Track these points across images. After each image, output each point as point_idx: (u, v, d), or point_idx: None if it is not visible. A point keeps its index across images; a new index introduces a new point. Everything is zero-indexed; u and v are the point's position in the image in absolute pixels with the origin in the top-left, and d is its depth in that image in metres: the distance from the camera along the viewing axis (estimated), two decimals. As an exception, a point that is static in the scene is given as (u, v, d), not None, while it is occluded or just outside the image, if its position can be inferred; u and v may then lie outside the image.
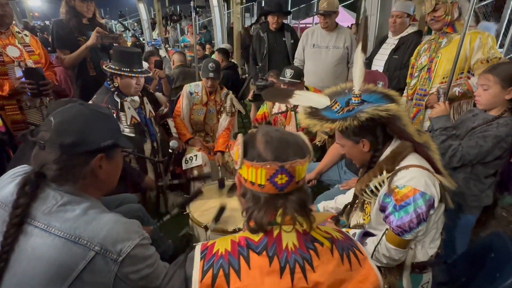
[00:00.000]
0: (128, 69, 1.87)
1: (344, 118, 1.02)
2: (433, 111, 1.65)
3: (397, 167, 1.07)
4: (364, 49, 1.07)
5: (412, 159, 1.08)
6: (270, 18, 3.31)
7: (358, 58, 1.11)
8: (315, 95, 1.20)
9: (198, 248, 0.72)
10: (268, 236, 0.70)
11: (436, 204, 1.04)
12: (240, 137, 0.75)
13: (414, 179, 1.03)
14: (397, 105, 1.05)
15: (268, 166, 0.69)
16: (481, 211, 1.66)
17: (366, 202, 1.20)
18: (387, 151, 1.12)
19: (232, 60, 4.65)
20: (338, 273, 0.70)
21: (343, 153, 1.24)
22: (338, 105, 1.10)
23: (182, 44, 8.21)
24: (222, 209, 1.59)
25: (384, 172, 1.08)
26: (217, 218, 1.57)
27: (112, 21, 12.92)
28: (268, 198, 0.71)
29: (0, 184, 0.84)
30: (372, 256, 1.08)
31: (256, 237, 0.70)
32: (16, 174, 0.85)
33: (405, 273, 1.11)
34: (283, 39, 3.33)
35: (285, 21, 3.54)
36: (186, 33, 8.78)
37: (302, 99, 1.19)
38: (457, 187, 1.29)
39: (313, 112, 1.12)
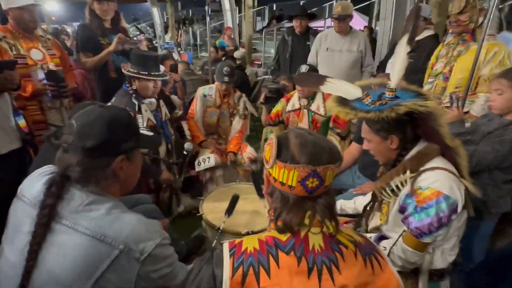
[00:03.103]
0: (146, 73, 1.92)
1: (380, 110, 0.99)
2: (446, 117, 1.63)
3: (422, 168, 1.05)
4: (410, 41, 1.08)
5: (438, 161, 1.06)
6: (294, 22, 3.30)
7: (402, 50, 1.07)
8: (347, 85, 1.16)
9: (226, 246, 0.73)
10: (296, 236, 0.71)
11: (459, 209, 1.01)
12: (274, 137, 0.76)
13: (438, 181, 1.01)
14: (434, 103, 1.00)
15: (301, 168, 0.70)
16: (499, 218, 1.62)
17: (384, 202, 1.18)
18: (413, 151, 1.10)
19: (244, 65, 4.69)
20: (362, 276, 0.71)
21: (367, 148, 1.20)
22: (370, 98, 1.07)
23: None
24: (235, 200, 1.57)
25: (408, 172, 1.06)
26: (230, 209, 1.56)
27: (127, 25, 13.20)
28: (297, 200, 0.72)
29: (29, 182, 0.87)
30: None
31: (283, 237, 0.71)
32: (43, 173, 0.87)
33: (422, 278, 1.09)
34: (307, 43, 3.30)
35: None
36: (221, 35, 8.39)
37: (334, 87, 1.16)
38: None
39: (343, 102, 1.09)
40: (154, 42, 9.88)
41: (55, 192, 0.79)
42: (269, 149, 0.75)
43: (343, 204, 1.55)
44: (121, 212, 0.83)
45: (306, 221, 0.71)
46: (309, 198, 0.72)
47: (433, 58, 2.19)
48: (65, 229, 0.77)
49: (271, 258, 0.69)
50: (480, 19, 1.88)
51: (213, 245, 1.62)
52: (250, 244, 0.72)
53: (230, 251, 0.72)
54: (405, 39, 1.08)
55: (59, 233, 0.77)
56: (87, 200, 0.81)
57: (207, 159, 2.32)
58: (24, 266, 0.75)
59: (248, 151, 2.51)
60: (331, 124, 2.40)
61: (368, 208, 1.27)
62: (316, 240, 0.71)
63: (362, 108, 1.05)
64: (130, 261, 0.78)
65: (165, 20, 12.83)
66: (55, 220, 0.78)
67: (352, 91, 1.11)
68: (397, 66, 1.07)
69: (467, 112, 1.89)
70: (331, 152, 0.73)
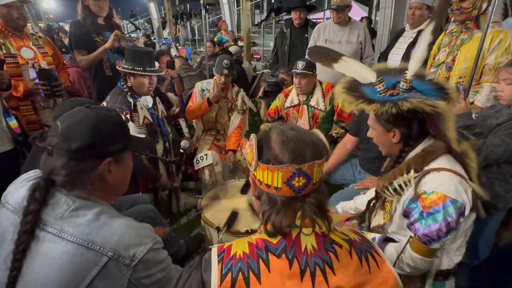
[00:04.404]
0: (141, 68, 1.87)
1: (383, 102, 0.93)
2: (453, 109, 1.56)
3: (426, 168, 0.99)
4: (435, 31, 1.00)
5: (444, 161, 1.00)
6: (293, 14, 3.23)
7: (424, 39, 1.00)
8: (363, 67, 1.10)
9: (214, 251, 0.70)
10: (287, 238, 0.68)
11: (467, 212, 0.96)
12: (253, 137, 0.72)
13: (444, 184, 0.95)
14: (448, 104, 0.94)
15: (285, 168, 0.66)
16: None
17: (387, 200, 1.13)
18: (417, 149, 1.04)
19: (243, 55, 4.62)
20: (358, 276, 0.68)
21: (371, 136, 1.16)
22: (383, 86, 1.01)
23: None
24: (234, 215, 1.55)
25: (412, 172, 1.00)
26: (229, 224, 1.54)
27: (124, 21, 13.10)
28: (285, 201, 0.69)
29: (13, 188, 0.84)
30: (394, 265, 1.01)
31: (274, 240, 0.68)
32: (28, 179, 0.84)
33: (428, 280, 1.05)
34: (306, 35, 3.22)
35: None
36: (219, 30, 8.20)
37: (348, 67, 1.11)
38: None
39: (352, 88, 1.04)
40: (152, 38, 9.80)
41: (39, 197, 0.75)
42: (250, 151, 0.71)
43: (344, 206, 1.51)
44: (109, 217, 0.79)
45: (297, 221, 0.68)
46: (297, 198, 0.69)
47: (434, 47, 2.12)
48: (50, 236, 0.74)
49: (261, 262, 0.66)
50: (484, 6, 1.81)
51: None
52: (239, 248, 0.69)
53: (218, 256, 0.69)
54: (430, 27, 1.00)
55: (44, 241, 0.74)
56: (73, 205, 0.77)
57: (205, 157, 2.28)
58: (8, 276, 0.72)
59: (247, 147, 2.47)
60: (335, 118, 2.37)
61: (371, 204, 1.22)
62: (308, 241, 0.68)
63: (372, 95, 0.99)
64: (120, 268, 0.75)
65: (163, 15, 12.70)
66: (39, 227, 0.74)
67: (366, 75, 1.06)
68: (416, 56, 1.01)
69: (471, 103, 1.84)
70: (316, 146, 0.69)
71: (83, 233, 0.74)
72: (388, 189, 1.06)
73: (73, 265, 0.72)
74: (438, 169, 0.98)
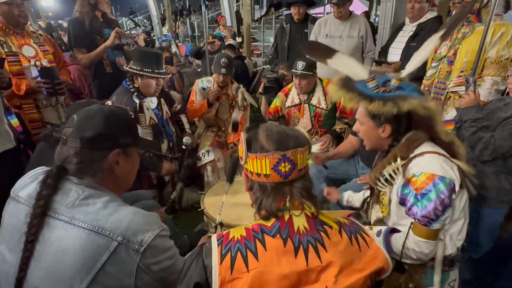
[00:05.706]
0: (150, 70, 1.88)
1: (384, 102, 0.99)
2: (462, 101, 1.55)
3: (412, 155, 1.05)
4: (445, 36, 1.09)
5: (427, 146, 1.06)
6: (292, 9, 3.22)
7: (430, 43, 1.07)
8: (356, 64, 1.16)
9: (214, 237, 0.77)
10: (280, 220, 0.75)
11: (457, 188, 1.00)
12: (242, 134, 0.81)
13: (429, 165, 1.01)
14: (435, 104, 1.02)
15: (271, 155, 0.75)
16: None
17: (381, 192, 1.17)
18: (402, 140, 1.10)
19: (242, 51, 4.60)
20: (348, 253, 0.74)
21: (357, 130, 1.20)
22: (375, 82, 1.06)
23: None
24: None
25: (398, 159, 1.06)
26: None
27: (123, 18, 13.03)
28: (274, 187, 0.76)
29: (21, 184, 0.86)
30: (401, 254, 1.04)
31: (268, 223, 0.75)
32: (37, 174, 0.86)
33: (437, 269, 1.07)
34: (305, 31, 3.22)
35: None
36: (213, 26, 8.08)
37: (341, 63, 1.16)
38: (486, 181, 1.21)
39: (346, 84, 1.09)
40: (152, 34, 9.75)
41: (51, 183, 0.79)
42: (241, 146, 0.80)
43: (350, 196, 1.51)
44: (118, 205, 0.82)
45: (287, 204, 0.75)
46: (285, 183, 0.76)
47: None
48: (62, 224, 0.77)
49: (257, 242, 0.72)
50: None
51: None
52: (237, 232, 0.75)
53: (218, 241, 0.75)
54: (440, 33, 1.05)
55: (56, 229, 0.76)
56: (83, 194, 0.80)
57: (207, 153, 2.29)
58: (21, 258, 0.74)
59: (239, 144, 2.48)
60: (337, 115, 2.37)
61: (366, 202, 1.25)
62: (300, 222, 0.74)
63: (365, 91, 1.04)
64: (130, 253, 0.77)
65: (162, 12, 12.63)
66: (51, 215, 0.77)
67: (358, 72, 1.11)
68: (418, 57, 1.07)
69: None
70: (297, 138, 0.78)
71: (93, 219, 0.77)
72: (379, 180, 1.10)
73: (85, 250, 0.74)
74: (421, 153, 1.04)
